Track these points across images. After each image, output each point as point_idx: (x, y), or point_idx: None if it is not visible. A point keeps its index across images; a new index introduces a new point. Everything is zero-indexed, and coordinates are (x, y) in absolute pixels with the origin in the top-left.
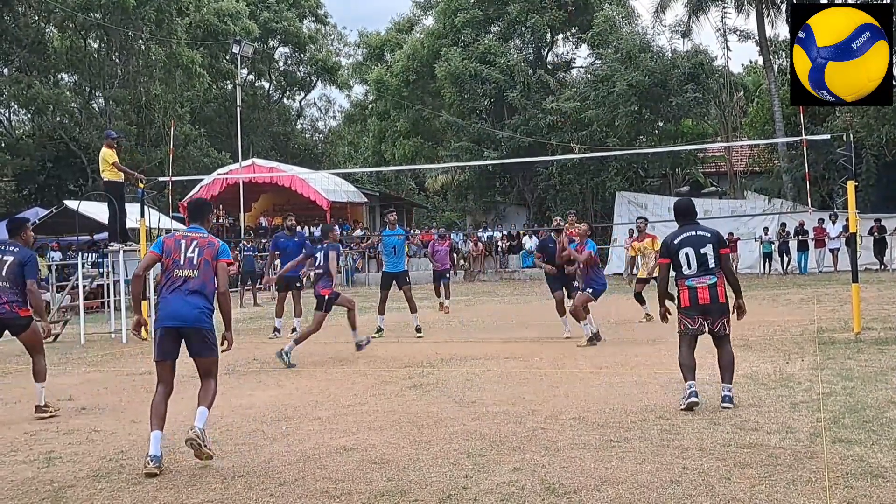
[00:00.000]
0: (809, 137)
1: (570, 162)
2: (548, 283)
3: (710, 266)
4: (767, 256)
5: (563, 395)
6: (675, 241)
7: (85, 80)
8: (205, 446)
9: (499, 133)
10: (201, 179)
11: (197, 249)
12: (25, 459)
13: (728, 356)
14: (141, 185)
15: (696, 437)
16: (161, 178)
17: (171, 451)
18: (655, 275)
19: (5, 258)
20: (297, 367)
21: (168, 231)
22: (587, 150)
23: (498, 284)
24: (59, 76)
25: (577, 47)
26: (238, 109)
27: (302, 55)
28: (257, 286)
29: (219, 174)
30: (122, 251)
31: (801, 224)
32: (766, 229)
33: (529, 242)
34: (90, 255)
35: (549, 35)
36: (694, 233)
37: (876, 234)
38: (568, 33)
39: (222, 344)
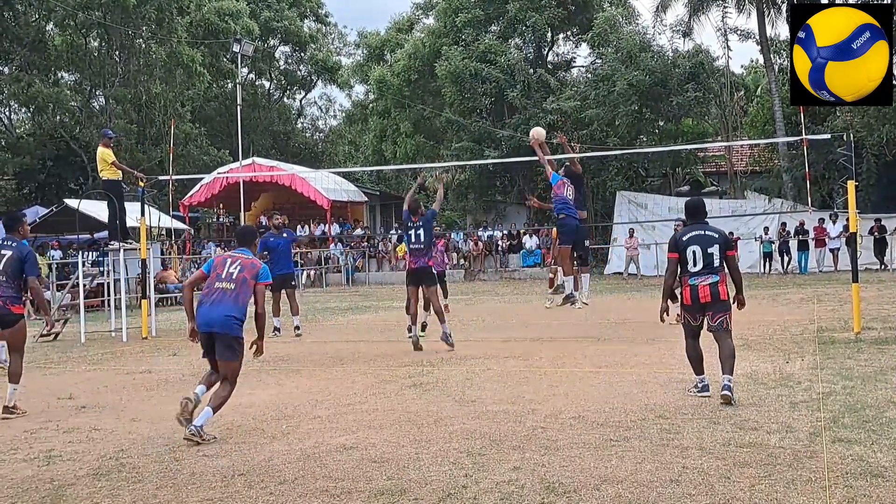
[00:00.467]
0: (810, 137)
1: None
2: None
3: (715, 266)
4: (768, 256)
5: (562, 394)
6: (685, 238)
7: (85, 78)
8: (202, 439)
9: (499, 132)
10: (202, 178)
11: (238, 266)
12: (25, 458)
13: (728, 349)
14: (141, 184)
15: (696, 437)
16: (161, 177)
17: (172, 450)
18: None
19: (3, 252)
20: (297, 367)
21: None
22: (587, 150)
23: (498, 284)
24: (60, 75)
25: (577, 46)
26: (238, 108)
27: (302, 54)
28: None
29: (219, 173)
30: (122, 249)
31: (802, 224)
32: (766, 229)
33: (530, 242)
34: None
35: (549, 34)
36: (703, 232)
37: (876, 233)
38: (568, 32)
39: (251, 348)
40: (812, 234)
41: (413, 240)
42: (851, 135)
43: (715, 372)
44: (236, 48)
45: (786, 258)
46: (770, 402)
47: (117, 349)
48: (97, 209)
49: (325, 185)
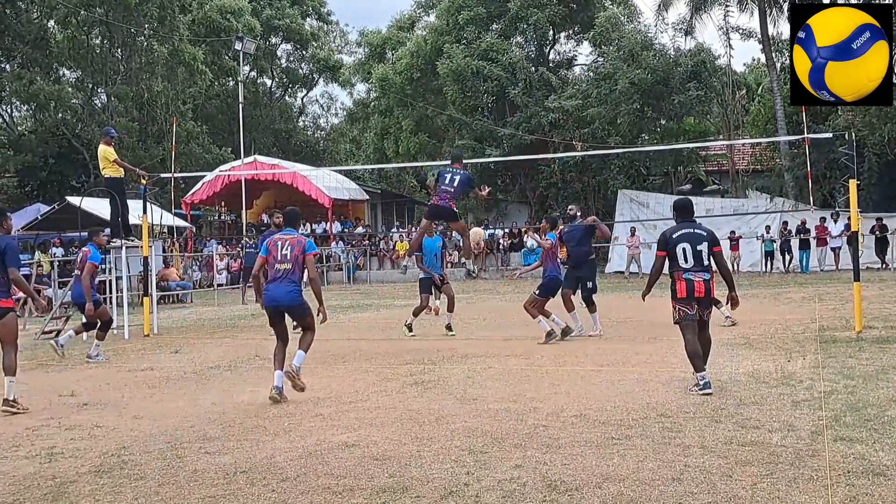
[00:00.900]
0: (811, 136)
1: (571, 160)
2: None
3: (705, 263)
4: (769, 255)
5: (564, 392)
6: (674, 236)
7: (87, 76)
8: (298, 379)
9: (500, 130)
10: (203, 176)
11: (289, 247)
12: (27, 455)
13: (707, 341)
14: (143, 182)
15: (698, 435)
16: (163, 175)
17: (174, 448)
18: None
19: None
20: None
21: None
22: (589, 148)
23: (499, 282)
24: (61, 72)
25: (578, 45)
26: (240, 106)
27: (304, 52)
28: None
29: (221, 171)
30: (124, 247)
31: (803, 222)
32: (767, 228)
33: (530, 240)
34: None
35: (551, 32)
36: (692, 230)
37: (877, 232)
38: (570, 31)
39: (318, 315)
40: (813, 233)
41: (447, 181)
42: (853, 134)
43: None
44: (238, 46)
45: (787, 257)
46: (772, 401)
47: (119, 346)
48: (99, 207)
49: (327, 183)
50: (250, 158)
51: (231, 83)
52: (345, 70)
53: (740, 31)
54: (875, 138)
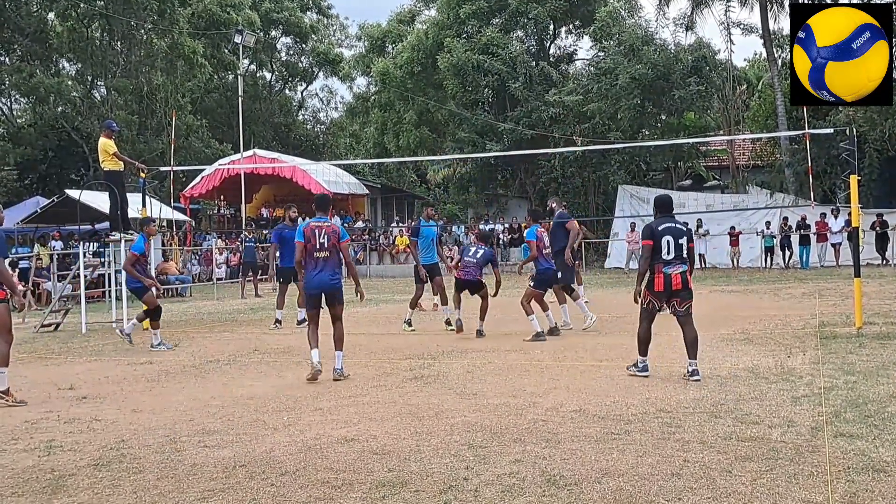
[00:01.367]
0: (812, 131)
1: (572, 155)
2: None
3: (683, 256)
4: (769, 250)
5: (563, 387)
6: (660, 228)
7: (87, 69)
8: (343, 377)
9: (501, 125)
10: (203, 170)
11: (326, 236)
12: (26, 448)
13: (692, 333)
14: (142, 175)
15: (697, 430)
16: (162, 168)
17: (173, 441)
18: None
19: None
20: (298, 359)
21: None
22: (589, 143)
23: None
24: (61, 65)
25: (579, 39)
26: (240, 100)
27: (303, 46)
28: (258, 277)
29: (220, 164)
30: (123, 240)
31: (803, 218)
32: (767, 223)
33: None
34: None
35: (551, 27)
36: (674, 224)
37: (878, 228)
38: (570, 25)
39: (357, 295)
40: (814, 229)
41: (470, 254)
42: (854, 129)
43: (712, 366)
44: (238, 39)
45: (787, 253)
46: (772, 397)
47: (118, 340)
48: (98, 200)
49: (327, 177)
50: (250, 152)
51: (230, 77)
52: (345, 64)
53: (741, 26)
54: (876, 134)
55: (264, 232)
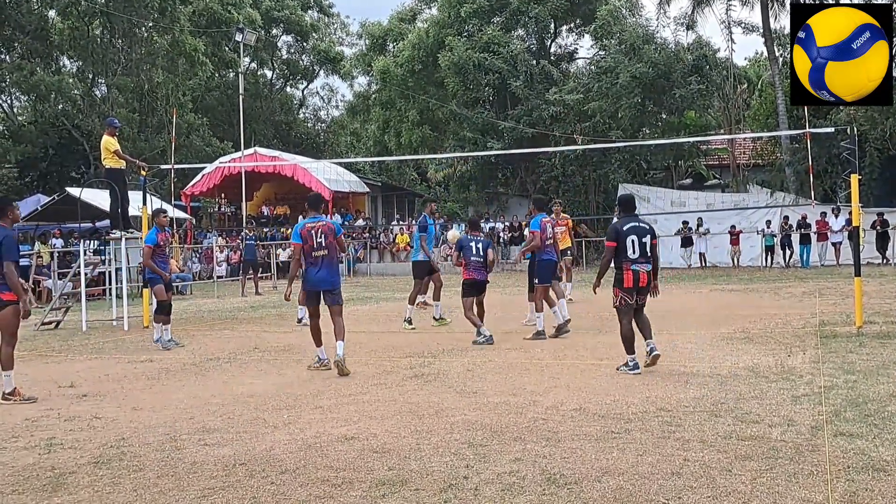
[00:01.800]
0: (813, 130)
1: (572, 153)
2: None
3: (647, 254)
4: (769, 250)
5: (564, 386)
6: (624, 229)
7: (87, 67)
8: (344, 366)
9: (501, 124)
10: (203, 168)
11: (323, 235)
12: (26, 446)
13: (646, 319)
14: (143, 173)
15: (697, 429)
16: (163, 166)
17: (173, 439)
18: None
19: None
20: (299, 356)
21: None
22: (590, 142)
23: (499, 276)
24: (62, 63)
25: (580, 38)
26: (240, 98)
27: (304, 44)
28: (259, 275)
29: (221, 163)
30: (123, 238)
31: (804, 217)
32: (768, 222)
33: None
34: (92, 242)
35: (552, 25)
36: (638, 224)
37: (878, 228)
38: (571, 24)
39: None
40: (814, 228)
41: (475, 253)
42: (855, 128)
43: (711, 365)
44: (238, 37)
45: (787, 252)
46: (772, 396)
47: (119, 338)
48: (99, 198)
49: (327, 175)
50: (250, 150)
51: (231, 75)
52: (346, 62)
53: (742, 25)
54: (877, 133)
55: (265, 230)
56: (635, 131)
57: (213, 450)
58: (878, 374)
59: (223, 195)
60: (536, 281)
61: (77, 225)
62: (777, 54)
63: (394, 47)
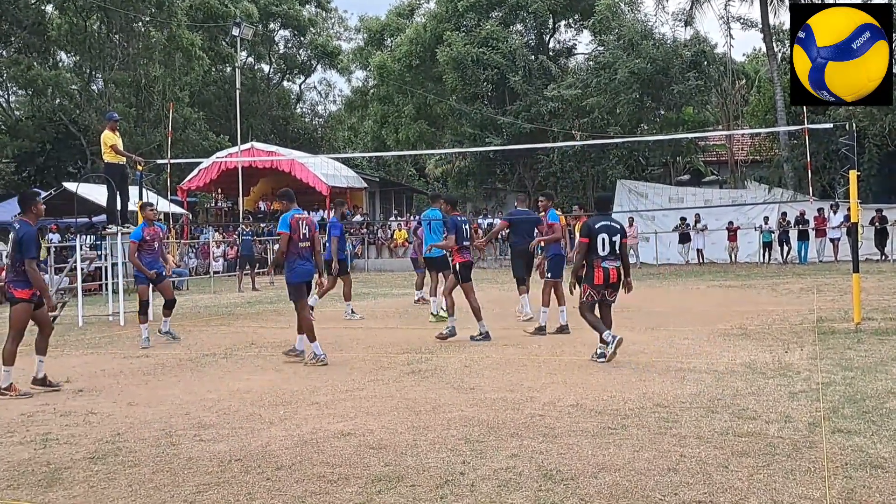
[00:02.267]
0: (811, 126)
1: (571, 149)
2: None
3: (616, 252)
4: (767, 246)
5: (561, 382)
6: (596, 226)
7: (85, 61)
8: (297, 355)
9: (500, 119)
10: (200, 162)
11: (306, 227)
12: (22, 441)
13: (610, 317)
14: (139, 168)
15: (694, 426)
16: (159, 161)
17: (168, 435)
18: None
19: (11, 235)
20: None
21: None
22: (588, 138)
23: (498, 271)
24: (59, 58)
25: (578, 33)
26: (237, 92)
27: (302, 39)
28: (255, 271)
29: (217, 157)
30: (120, 233)
31: (802, 213)
32: (766, 219)
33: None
34: (88, 237)
35: (550, 20)
36: (609, 222)
37: (877, 224)
38: (570, 19)
39: (315, 287)
40: (812, 224)
41: (466, 235)
42: (853, 124)
43: (709, 361)
44: (235, 32)
45: (786, 248)
46: (769, 392)
47: (115, 333)
48: (95, 193)
49: (325, 170)
50: (247, 145)
51: (228, 69)
52: (343, 57)
53: (741, 20)
54: (875, 129)
55: (262, 225)
56: (633, 127)
57: (209, 445)
58: (875, 370)
59: (220, 190)
60: (548, 276)
61: (74, 220)
62: (776, 50)
63: (392, 42)
